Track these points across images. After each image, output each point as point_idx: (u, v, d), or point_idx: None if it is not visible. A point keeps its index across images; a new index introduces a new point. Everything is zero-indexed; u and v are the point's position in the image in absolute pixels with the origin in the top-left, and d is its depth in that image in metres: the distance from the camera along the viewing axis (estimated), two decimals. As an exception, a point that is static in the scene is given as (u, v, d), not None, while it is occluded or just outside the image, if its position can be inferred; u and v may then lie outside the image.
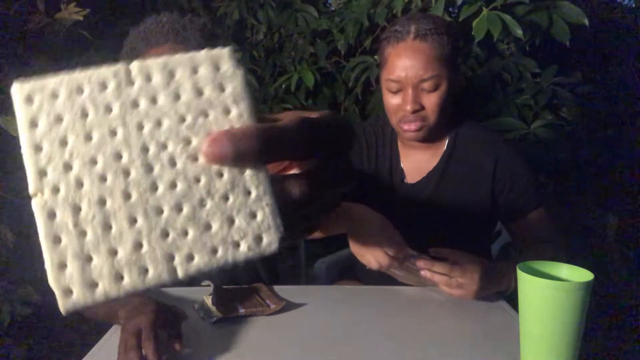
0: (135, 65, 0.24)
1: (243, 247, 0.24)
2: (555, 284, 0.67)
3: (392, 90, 1.11)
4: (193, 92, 0.24)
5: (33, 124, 0.23)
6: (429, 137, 1.14)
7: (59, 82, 0.24)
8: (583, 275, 0.70)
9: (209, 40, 0.93)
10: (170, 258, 0.24)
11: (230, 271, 1.18)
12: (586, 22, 1.59)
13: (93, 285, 0.23)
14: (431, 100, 1.08)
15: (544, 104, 1.73)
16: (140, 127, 0.24)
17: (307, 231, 0.27)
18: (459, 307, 0.96)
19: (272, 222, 0.24)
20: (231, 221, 0.24)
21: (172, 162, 0.24)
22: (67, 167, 0.23)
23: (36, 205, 0.23)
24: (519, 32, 1.54)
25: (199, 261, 0.24)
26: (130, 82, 0.24)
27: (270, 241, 0.25)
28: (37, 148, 0.23)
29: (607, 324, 2.06)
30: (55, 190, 0.23)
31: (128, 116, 0.24)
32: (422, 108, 1.09)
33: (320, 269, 1.42)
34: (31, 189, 0.23)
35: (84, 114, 0.24)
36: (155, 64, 0.24)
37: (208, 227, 0.24)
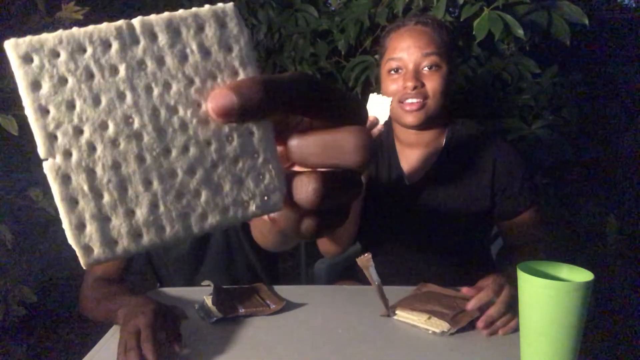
0: (137, 22, 0.24)
1: (252, 207, 0.25)
2: (555, 284, 0.67)
3: (392, 67, 1.11)
4: (200, 53, 0.24)
5: (35, 85, 0.22)
6: (429, 123, 1.13)
7: (58, 40, 0.23)
8: (583, 275, 0.70)
9: None
10: (186, 217, 0.24)
11: (231, 271, 1.18)
12: (586, 21, 1.58)
13: (113, 243, 0.23)
14: (432, 79, 1.09)
15: (544, 104, 1.73)
16: (149, 89, 0.24)
17: (314, 233, 0.27)
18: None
19: (278, 183, 0.25)
20: (241, 183, 0.25)
21: (184, 127, 0.24)
22: (78, 131, 0.23)
23: (48, 169, 0.23)
24: (520, 32, 1.54)
25: (212, 220, 0.25)
26: (135, 41, 0.23)
27: (275, 201, 0.25)
28: (44, 111, 0.23)
29: (607, 324, 2.06)
30: (68, 154, 0.23)
31: (136, 79, 0.23)
32: (423, 86, 1.09)
33: (320, 269, 1.42)
34: (41, 153, 0.23)
35: (89, 76, 0.23)
36: (158, 20, 0.24)
37: (220, 188, 0.25)
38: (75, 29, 0.23)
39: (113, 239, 0.23)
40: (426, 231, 1.17)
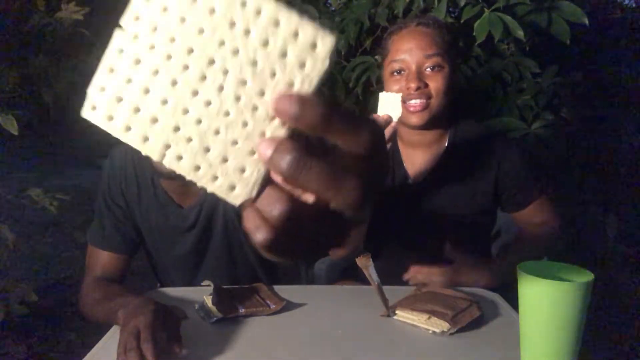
0: None
1: (217, 184, 0.27)
2: (555, 284, 0.67)
3: (395, 69, 1.11)
4: (279, 50, 0.26)
5: None
6: (432, 124, 1.13)
7: None
8: (583, 275, 0.70)
9: None
10: (167, 147, 0.27)
11: (231, 271, 1.18)
12: (586, 21, 1.59)
13: (111, 118, 0.27)
14: (435, 79, 1.09)
15: (544, 104, 1.73)
16: (221, 43, 0.26)
17: (263, 246, 0.26)
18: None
19: (253, 184, 0.27)
20: (225, 160, 0.26)
21: (220, 87, 0.26)
22: (153, 29, 0.26)
23: (118, 35, 0.27)
24: (520, 33, 1.54)
25: (183, 165, 0.27)
26: (243, 4, 0.26)
27: (238, 195, 0.27)
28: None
29: (607, 324, 2.06)
30: (136, 37, 0.26)
31: (219, 28, 0.26)
32: (426, 86, 1.10)
33: (320, 269, 1.42)
34: (123, 21, 0.26)
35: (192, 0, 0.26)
36: (273, 4, 0.26)
37: (206, 150, 0.27)
38: None
39: (112, 116, 0.27)
40: (428, 231, 1.17)
